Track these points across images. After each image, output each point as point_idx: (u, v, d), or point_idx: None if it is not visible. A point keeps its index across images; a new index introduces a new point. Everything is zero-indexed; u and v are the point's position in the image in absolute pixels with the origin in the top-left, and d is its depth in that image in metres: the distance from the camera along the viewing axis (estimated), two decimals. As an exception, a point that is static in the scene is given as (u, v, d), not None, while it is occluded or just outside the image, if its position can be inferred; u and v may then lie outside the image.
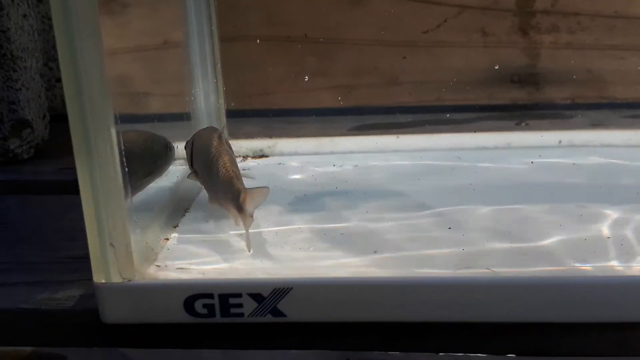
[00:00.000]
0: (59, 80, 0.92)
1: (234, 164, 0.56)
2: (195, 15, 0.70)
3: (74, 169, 0.78)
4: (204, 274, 0.50)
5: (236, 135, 0.78)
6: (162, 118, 0.75)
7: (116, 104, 0.46)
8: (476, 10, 0.87)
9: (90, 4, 0.43)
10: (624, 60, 0.87)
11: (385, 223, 0.58)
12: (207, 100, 0.73)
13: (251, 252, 0.52)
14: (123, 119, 0.47)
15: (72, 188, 0.73)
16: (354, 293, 0.47)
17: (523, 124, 0.87)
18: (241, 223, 0.52)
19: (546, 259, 0.50)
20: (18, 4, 0.77)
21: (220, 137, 0.57)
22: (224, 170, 0.55)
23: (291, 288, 0.47)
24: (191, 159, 0.60)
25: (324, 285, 0.47)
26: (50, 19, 0.89)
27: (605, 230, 0.54)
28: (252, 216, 0.52)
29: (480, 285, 0.46)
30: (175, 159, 0.63)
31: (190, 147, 0.60)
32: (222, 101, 0.75)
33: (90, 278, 0.53)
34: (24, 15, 0.78)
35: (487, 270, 0.48)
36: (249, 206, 0.52)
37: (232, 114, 0.79)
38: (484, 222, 0.57)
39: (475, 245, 0.53)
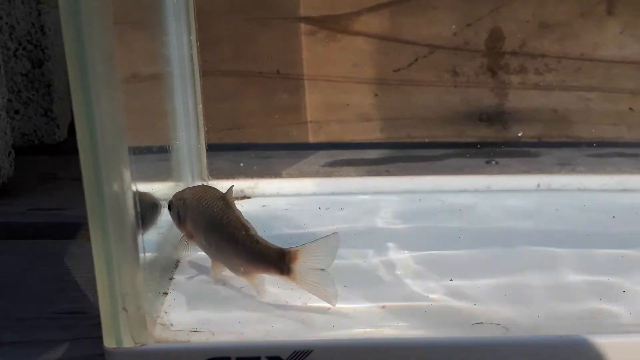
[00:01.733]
0: (16, 112, 0.88)
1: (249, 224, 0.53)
2: (177, 50, 0.69)
3: (43, 210, 0.76)
4: (213, 334, 0.48)
5: (213, 174, 0.76)
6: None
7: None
8: (447, 50, 0.88)
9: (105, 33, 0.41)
10: (589, 101, 0.90)
11: (385, 274, 0.57)
12: (187, 135, 0.71)
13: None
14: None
15: (45, 231, 0.71)
16: (378, 355, 0.46)
17: (493, 162, 0.88)
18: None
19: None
20: (-16, 37, 0.74)
21: (225, 198, 0.54)
22: (241, 234, 0.51)
23: (311, 350, 0.46)
24: (183, 220, 0.56)
25: (346, 347, 0.46)
26: (17, 50, 0.85)
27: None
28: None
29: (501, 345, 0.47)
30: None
31: (184, 209, 0.55)
32: (203, 136, 0.74)
33: (89, 336, 0.51)
34: (-9, 48, 0.75)
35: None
36: (308, 263, 0.49)
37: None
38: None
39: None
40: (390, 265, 0.59)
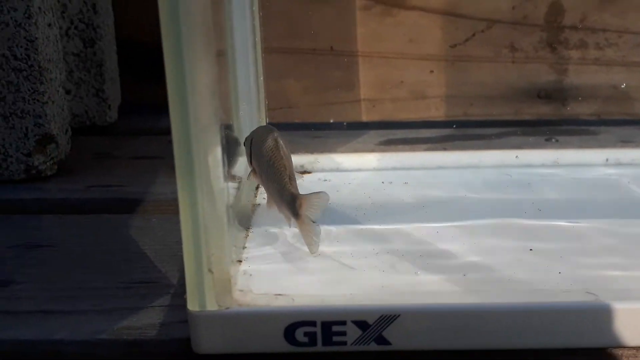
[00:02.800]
0: (68, 92, 0.88)
1: (290, 168, 0.55)
2: (240, 26, 0.67)
3: (103, 186, 0.75)
4: (293, 299, 0.47)
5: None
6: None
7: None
8: (505, 24, 0.86)
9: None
10: (650, 77, 0.87)
11: (460, 244, 0.56)
12: (250, 110, 0.70)
13: (316, 254, 0.52)
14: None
15: (105, 207, 0.70)
16: (465, 320, 0.45)
17: (553, 139, 0.86)
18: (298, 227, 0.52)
19: None
20: (44, 12, 0.73)
21: (276, 139, 0.55)
22: (278, 174, 0.53)
23: (399, 315, 0.44)
24: (250, 157, 0.58)
25: (433, 312, 0.45)
26: (68, 29, 0.85)
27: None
28: (313, 222, 0.52)
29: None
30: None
31: (249, 146, 0.58)
32: (264, 114, 0.72)
33: (166, 304, 0.50)
34: (49, 25, 0.74)
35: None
36: (307, 212, 0.51)
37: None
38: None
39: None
40: (467, 234, 0.57)
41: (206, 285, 0.43)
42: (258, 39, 0.70)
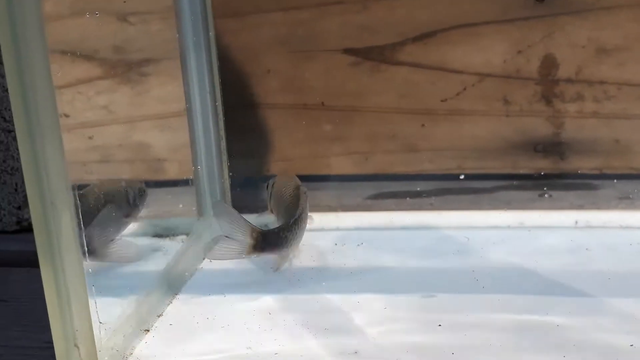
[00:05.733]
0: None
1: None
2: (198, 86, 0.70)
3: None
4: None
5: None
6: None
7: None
8: (497, 78, 0.85)
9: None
10: (653, 130, 0.83)
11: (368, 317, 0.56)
12: (209, 169, 0.73)
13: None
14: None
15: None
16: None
17: (546, 195, 0.84)
18: None
19: None
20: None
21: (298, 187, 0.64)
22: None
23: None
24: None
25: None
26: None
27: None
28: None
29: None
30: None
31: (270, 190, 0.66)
32: (226, 170, 0.75)
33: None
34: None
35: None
36: None
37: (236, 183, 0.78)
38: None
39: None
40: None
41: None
42: (219, 99, 0.72)
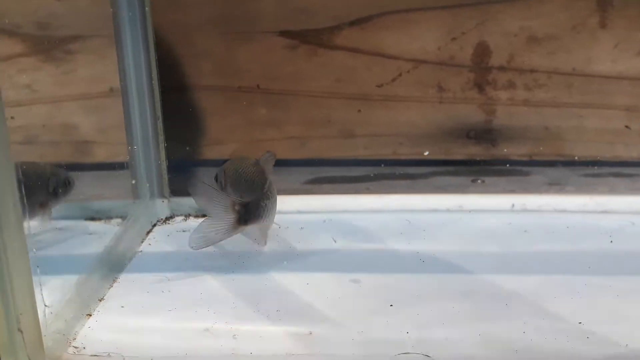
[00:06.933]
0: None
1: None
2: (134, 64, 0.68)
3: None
4: (124, 358, 0.47)
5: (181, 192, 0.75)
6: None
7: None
8: (431, 65, 0.85)
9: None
10: (582, 118, 0.86)
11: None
12: (146, 151, 0.70)
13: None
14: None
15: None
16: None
17: (479, 181, 0.85)
18: None
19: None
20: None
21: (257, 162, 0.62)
22: None
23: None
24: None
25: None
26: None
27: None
28: None
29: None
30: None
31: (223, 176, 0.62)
32: (163, 153, 0.72)
33: None
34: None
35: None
36: None
37: (174, 167, 0.76)
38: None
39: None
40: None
41: (18, 345, 0.43)
42: (155, 79, 0.70)
